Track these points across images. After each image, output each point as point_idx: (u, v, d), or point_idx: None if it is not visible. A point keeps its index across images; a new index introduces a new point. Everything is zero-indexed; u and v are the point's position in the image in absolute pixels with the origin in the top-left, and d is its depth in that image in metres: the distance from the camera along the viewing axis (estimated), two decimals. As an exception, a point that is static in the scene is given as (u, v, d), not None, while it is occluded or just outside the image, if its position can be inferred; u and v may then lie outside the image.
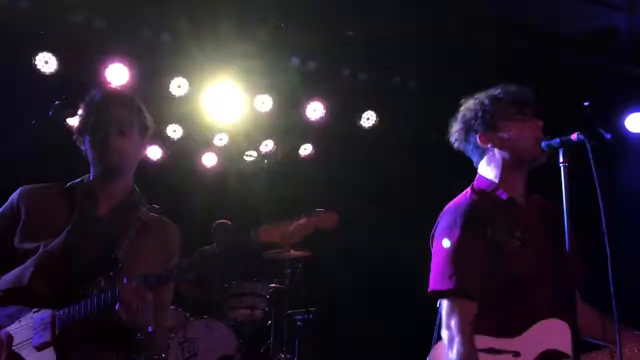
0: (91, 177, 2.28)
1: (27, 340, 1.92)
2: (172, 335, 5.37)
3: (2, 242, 2.14)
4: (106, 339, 2.01)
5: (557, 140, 2.07)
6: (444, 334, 2.08)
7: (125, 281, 1.91)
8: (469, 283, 2.09)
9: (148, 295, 1.90)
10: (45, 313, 1.94)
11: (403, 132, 7.16)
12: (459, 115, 2.39)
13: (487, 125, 2.28)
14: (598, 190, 1.89)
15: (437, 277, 2.16)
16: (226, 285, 6.08)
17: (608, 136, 2.16)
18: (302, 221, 2.00)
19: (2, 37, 5.48)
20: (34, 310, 1.98)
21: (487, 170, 2.33)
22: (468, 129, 2.34)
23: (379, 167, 8.16)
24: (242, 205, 7.51)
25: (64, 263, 2.04)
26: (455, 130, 2.40)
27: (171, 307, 5.85)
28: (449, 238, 2.16)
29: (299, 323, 6.35)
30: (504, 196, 2.24)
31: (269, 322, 6.16)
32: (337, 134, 7.54)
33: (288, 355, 5.99)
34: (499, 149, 2.27)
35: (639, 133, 6.23)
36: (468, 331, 2.03)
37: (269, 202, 7.74)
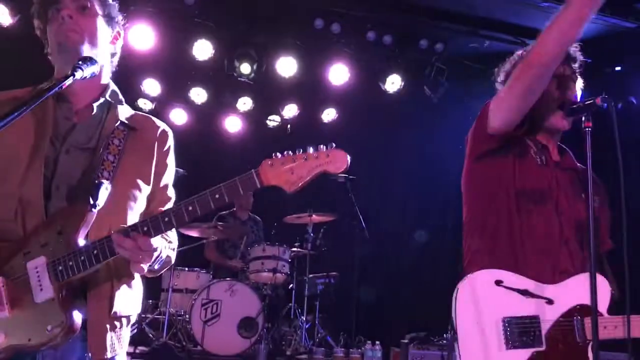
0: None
1: (25, 292, 1.66)
2: (196, 297, 5.47)
3: None
4: (97, 280, 1.75)
5: (581, 104, 2.03)
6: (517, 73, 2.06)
7: (127, 226, 1.66)
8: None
9: (150, 243, 1.66)
10: (39, 259, 1.66)
11: (428, 98, 7.03)
12: (510, 60, 2.38)
13: None
14: (619, 155, 1.87)
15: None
16: (249, 248, 6.16)
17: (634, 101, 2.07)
18: (308, 161, 1.71)
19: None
20: (23, 252, 1.69)
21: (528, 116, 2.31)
22: (506, 79, 2.34)
23: (403, 132, 8.11)
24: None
25: (42, 193, 1.72)
26: (500, 73, 2.41)
27: (195, 270, 6.00)
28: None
29: (320, 287, 6.42)
30: (537, 139, 2.26)
31: (291, 285, 6.23)
32: (360, 98, 7.46)
33: (309, 318, 6.08)
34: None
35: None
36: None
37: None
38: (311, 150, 1.71)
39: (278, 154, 1.72)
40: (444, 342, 5.10)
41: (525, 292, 1.99)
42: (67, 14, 1.81)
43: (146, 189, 1.90)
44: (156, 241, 1.70)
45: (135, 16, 6.01)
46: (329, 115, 7.92)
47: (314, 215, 6.21)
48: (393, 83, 6.95)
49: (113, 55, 1.99)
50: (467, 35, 6.33)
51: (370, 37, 6.42)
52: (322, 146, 1.72)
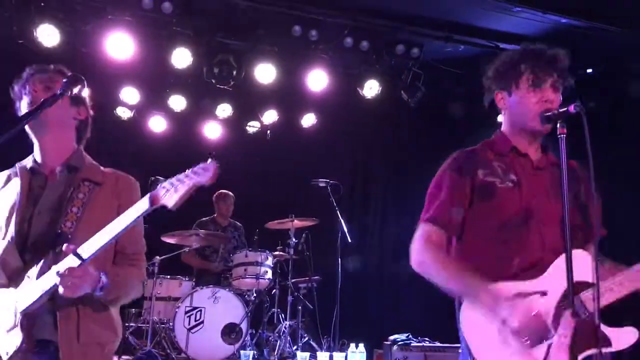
0: (35, 150, 2.29)
1: (4, 324, 2.05)
2: (179, 304, 5.47)
3: None
4: (63, 307, 2.07)
5: (555, 112, 2.11)
6: (412, 256, 2.27)
7: (63, 263, 1.98)
8: (439, 213, 2.25)
9: (84, 269, 1.96)
10: (12, 298, 2.05)
11: (406, 102, 7.12)
12: (493, 66, 2.40)
13: (503, 86, 2.33)
14: (590, 161, 1.94)
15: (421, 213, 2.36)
16: (231, 255, 6.17)
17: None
18: (185, 179, 1.92)
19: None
20: (7, 294, 2.08)
21: (504, 124, 2.41)
22: (491, 84, 2.40)
23: (381, 137, 8.20)
24: (244, 176, 7.55)
25: (18, 246, 2.11)
26: (485, 80, 2.44)
27: (178, 278, 6.00)
28: (439, 176, 2.34)
29: (303, 291, 6.46)
30: (508, 146, 2.33)
31: (274, 290, 6.26)
32: (339, 103, 7.53)
33: (292, 322, 6.11)
34: (508, 111, 2.36)
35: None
36: (430, 245, 2.22)
37: (271, 172, 7.80)
38: (189, 170, 1.92)
39: (168, 180, 1.96)
40: (426, 343, 5.17)
41: (519, 295, 2.04)
42: (33, 89, 2.22)
43: None
44: (90, 270, 1.99)
45: (114, 25, 6.00)
46: (308, 120, 7.97)
47: (295, 221, 6.25)
48: (371, 88, 7.02)
49: (80, 126, 2.34)
50: (442, 40, 6.43)
51: (347, 42, 6.49)
52: (200, 164, 1.93)
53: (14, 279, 2.08)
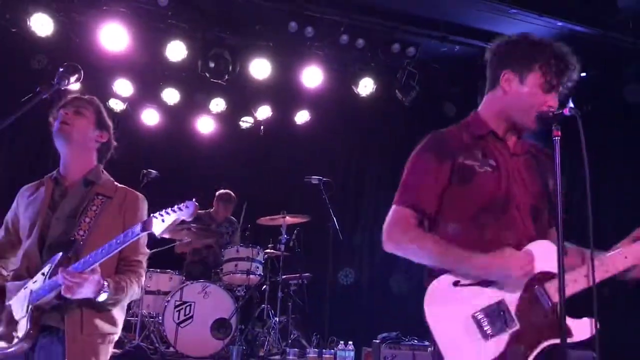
0: (60, 164, 2.66)
1: (18, 311, 2.42)
2: (169, 298, 5.46)
3: (18, 236, 2.63)
4: (70, 302, 2.37)
5: (550, 113, 2.11)
6: (385, 233, 2.24)
7: (69, 268, 2.30)
8: (415, 197, 2.24)
9: (85, 276, 2.26)
10: (28, 289, 2.41)
11: (400, 101, 7.14)
12: (511, 39, 2.32)
13: (518, 69, 2.24)
14: (585, 163, 1.96)
15: (397, 192, 2.33)
16: (223, 250, 6.16)
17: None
18: (167, 217, 2.24)
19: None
20: (24, 286, 2.45)
21: (487, 104, 2.35)
22: (503, 58, 2.30)
23: (375, 136, 8.21)
24: (236, 172, 7.54)
25: (39, 246, 2.47)
26: (495, 47, 2.35)
27: (168, 272, 5.98)
28: (415, 157, 2.33)
29: (293, 288, 6.46)
30: (485, 129, 2.30)
31: (264, 286, 6.26)
32: (334, 101, 7.52)
33: (282, 319, 6.11)
34: (507, 95, 2.27)
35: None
36: (408, 227, 2.20)
37: (264, 168, 7.79)
38: (175, 206, 2.24)
39: (159, 212, 2.26)
40: (415, 342, 5.19)
41: (482, 283, 2.07)
42: (65, 112, 2.59)
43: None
44: (93, 277, 2.28)
45: (108, 16, 5.97)
46: (302, 117, 7.96)
47: (287, 217, 6.24)
48: (366, 86, 7.02)
49: (101, 148, 2.69)
50: (438, 40, 6.44)
51: (343, 40, 6.48)
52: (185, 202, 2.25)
53: (31, 273, 2.45)
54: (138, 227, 2.25)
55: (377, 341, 5.15)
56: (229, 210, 6.82)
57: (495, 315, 2.03)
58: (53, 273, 2.34)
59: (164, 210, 2.23)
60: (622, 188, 6.27)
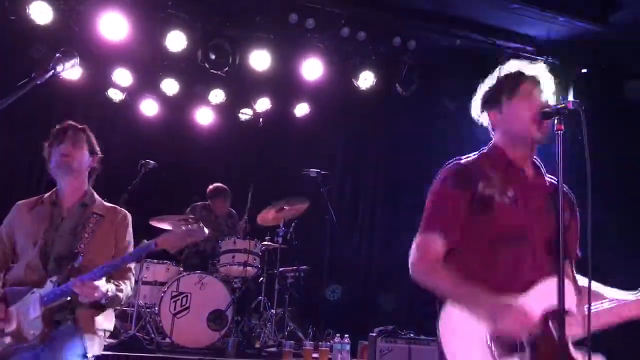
0: (57, 188, 3.11)
1: (27, 313, 2.81)
2: (165, 289, 5.45)
3: (13, 249, 3.05)
4: (76, 307, 2.87)
5: (553, 108, 2.12)
6: (410, 265, 2.26)
7: (78, 278, 2.75)
8: (441, 225, 2.24)
9: (94, 285, 2.73)
10: (36, 294, 2.82)
11: (400, 95, 7.11)
12: (479, 89, 2.46)
13: (493, 102, 2.38)
14: (587, 160, 1.96)
15: (421, 221, 2.34)
16: (220, 241, 6.15)
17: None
18: (179, 234, 2.87)
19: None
20: (31, 291, 2.85)
21: (497, 139, 2.42)
22: (482, 105, 2.43)
23: (374, 129, 8.19)
24: (235, 164, 7.53)
25: (42, 259, 2.91)
26: (473, 104, 2.48)
27: (165, 262, 5.97)
28: (436, 187, 2.33)
29: (290, 280, 6.46)
30: (505, 160, 2.34)
31: (261, 278, 6.25)
32: (333, 93, 7.50)
33: (279, 311, 6.11)
34: (501, 126, 2.38)
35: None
36: (431, 256, 2.21)
37: (263, 160, 7.78)
38: (186, 227, 2.89)
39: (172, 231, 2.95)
40: (411, 335, 5.19)
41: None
42: (64, 146, 3.01)
43: (111, 250, 3.06)
44: (100, 284, 2.77)
45: (108, 5, 5.93)
46: (301, 109, 7.94)
47: (284, 209, 6.22)
48: (366, 79, 6.99)
49: (91, 171, 3.16)
50: (439, 34, 6.42)
51: (344, 32, 6.46)
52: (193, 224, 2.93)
53: (34, 281, 2.87)
54: (151, 244, 2.81)
55: (374, 334, 5.15)
56: (225, 205, 6.75)
57: (508, 339, 2.03)
58: (63, 280, 2.81)
59: (176, 231, 2.80)
60: (624, 186, 6.24)
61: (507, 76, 2.35)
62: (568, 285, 2.09)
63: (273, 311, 6.04)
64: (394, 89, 7.14)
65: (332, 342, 5.44)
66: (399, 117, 7.71)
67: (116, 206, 3.23)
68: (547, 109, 2.15)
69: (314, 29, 6.40)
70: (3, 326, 2.82)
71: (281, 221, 6.28)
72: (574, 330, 2.06)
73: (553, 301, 2.00)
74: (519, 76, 2.32)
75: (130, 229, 3.17)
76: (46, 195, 3.12)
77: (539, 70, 2.35)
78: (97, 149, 3.17)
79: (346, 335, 5.36)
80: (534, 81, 2.31)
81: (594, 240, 1.99)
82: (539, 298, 2.08)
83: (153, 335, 5.42)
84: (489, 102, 2.40)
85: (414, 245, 2.28)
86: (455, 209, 2.25)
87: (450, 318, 2.10)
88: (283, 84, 7.43)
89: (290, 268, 6.45)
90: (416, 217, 2.34)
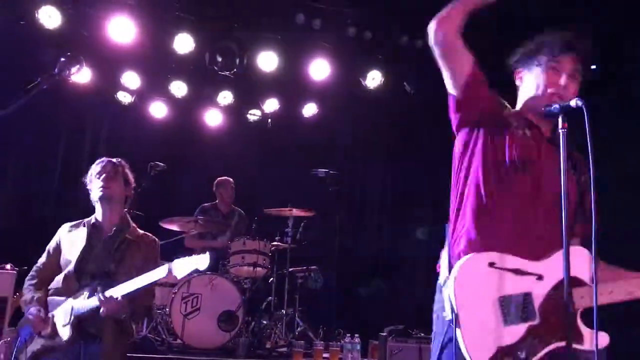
0: (96, 214, 3.55)
1: (61, 319, 3.26)
2: (176, 290, 5.48)
3: (57, 263, 3.47)
4: (102, 319, 3.20)
5: (557, 106, 2.10)
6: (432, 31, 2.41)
7: (105, 294, 3.12)
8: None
9: (119, 303, 3.10)
10: (70, 305, 3.25)
11: (408, 93, 7.10)
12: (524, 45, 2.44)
13: (523, 64, 2.37)
14: (590, 157, 1.94)
15: None
16: (230, 242, 6.16)
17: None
18: (186, 266, 3.09)
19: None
20: (66, 301, 3.28)
21: (518, 102, 2.42)
22: (517, 60, 2.41)
23: (383, 128, 8.17)
24: (244, 164, 7.54)
25: (77, 275, 3.34)
26: (512, 61, 2.46)
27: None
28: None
29: (300, 281, 6.46)
30: (523, 116, 2.33)
31: (271, 279, 6.27)
32: (341, 93, 7.50)
33: (289, 311, 6.12)
34: (521, 88, 2.39)
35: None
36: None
37: (271, 161, 7.79)
38: (194, 255, 3.13)
39: (182, 259, 3.14)
40: (422, 334, 5.18)
41: (517, 271, 2.07)
42: (105, 179, 3.48)
43: (139, 273, 3.23)
44: (122, 302, 3.12)
45: (116, 8, 5.97)
46: (309, 110, 7.94)
47: (293, 210, 6.23)
48: (374, 79, 6.99)
49: (126, 199, 3.62)
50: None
51: (351, 32, 6.46)
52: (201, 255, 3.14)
53: (69, 293, 3.30)
54: (165, 270, 3.09)
55: (384, 334, 5.15)
56: (230, 194, 6.77)
57: (520, 305, 2.05)
58: (91, 294, 3.18)
59: (185, 259, 3.08)
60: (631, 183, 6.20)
61: (546, 41, 2.31)
62: (584, 254, 2.10)
63: (283, 311, 6.05)
64: (402, 87, 7.12)
65: (342, 341, 5.45)
66: (407, 116, 7.69)
67: (148, 234, 3.66)
68: (550, 107, 2.14)
69: (321, 29, 6.41)
70: (42, 328, 3.27)
71: (290, 221, 6.28)
72: (586, 301, 2.05)
73: (573, 271, 1.99)
74: (554, 44, 2.29)
75: (158, 254, 3.60)
76: (86, 219, 3.57)
77: (580, 42, 2.31)
78: (132, 179, 3.64)
79: (356, 335, 5.36)
80: (568, 55, 2.27)
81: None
82: (560, 264, 2.01)
83: (164, 336, 5.45)
84: (521, 61, 2.39)
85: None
86: (485, 84, 2.30)
87: (466, 276, 2.07)
88: (291, 84, 7.43)
89: (300, 268, 6.46)
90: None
